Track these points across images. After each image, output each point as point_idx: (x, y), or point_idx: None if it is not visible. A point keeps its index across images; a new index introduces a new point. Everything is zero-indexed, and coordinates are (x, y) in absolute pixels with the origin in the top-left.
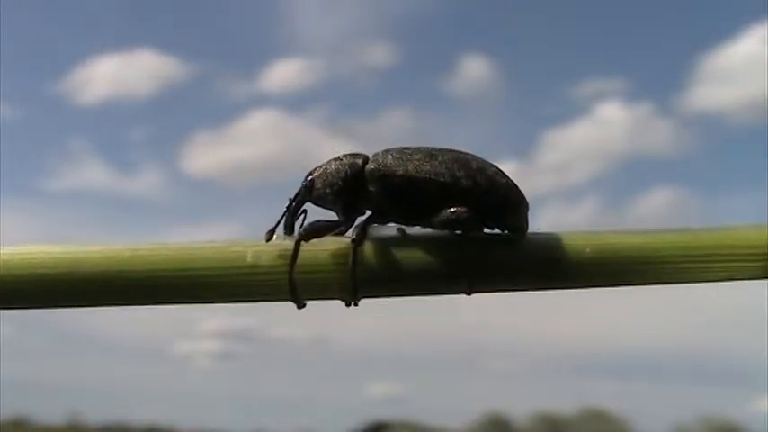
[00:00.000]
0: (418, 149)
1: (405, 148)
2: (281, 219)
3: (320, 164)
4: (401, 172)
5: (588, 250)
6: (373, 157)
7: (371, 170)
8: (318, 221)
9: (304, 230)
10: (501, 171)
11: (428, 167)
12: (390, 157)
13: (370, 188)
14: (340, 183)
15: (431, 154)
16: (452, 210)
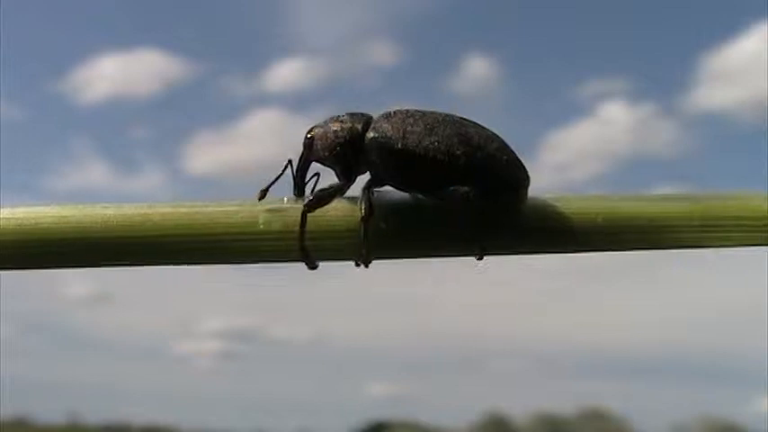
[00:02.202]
0: (421, 118)
1: (407, 116)
2: (276, 179)
3: (321, 122)
4: (399, 145)
5: (600, 219)
6: (374, 123)
7: (370, 139)
8: (323, 189)
9: (308, 201)
10: (503, 146)
11: (427, 143)
12: (391, 127)
13: (367, 151)
14: (339, 146)
15: (432, 127)
16: (451, 187)
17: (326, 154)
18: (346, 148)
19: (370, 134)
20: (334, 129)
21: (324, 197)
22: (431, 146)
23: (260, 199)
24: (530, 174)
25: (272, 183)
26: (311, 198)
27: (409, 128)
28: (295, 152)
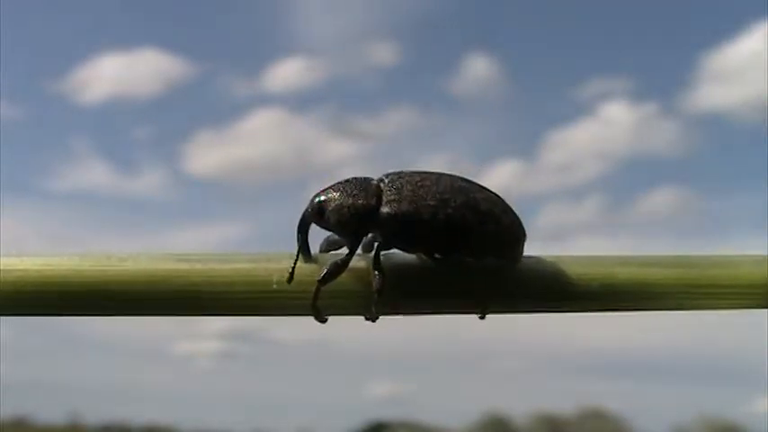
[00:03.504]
0: (431, 187)
1: (418, 187)
2: (297, 258)
3: (328, 189)
4: (413, 220)
5: (597, 284)
6: (386, 197)
7: (385, 215)
8: (335, 262)
9: (323, 276)
10: (506, 208)
11: (441, 216)
12: (405, 203)
13: (381, 224)
14: (352, 222)
15: (443, 199)
16: (456, 252)
17: (338, 228)
18: (359, 223)
19: (385, 209)
20: (346, 201)
21: (336, 270)
22: (443, 218)
23: (288, 282)
24: (526, 231)
25: (295, 263)
26: (325, 272)
27: (422, 202)
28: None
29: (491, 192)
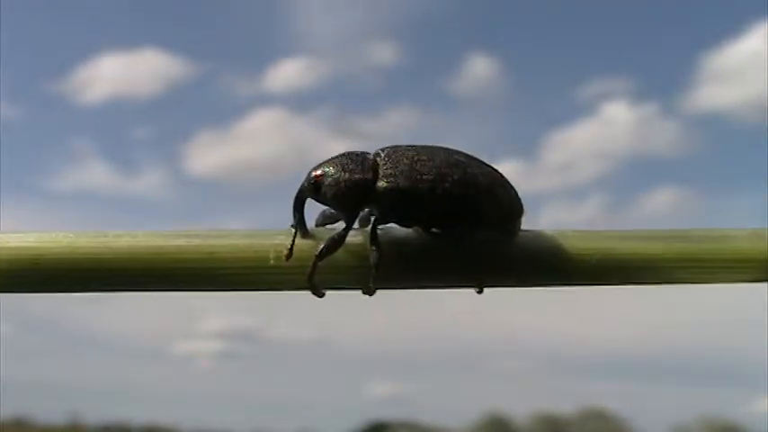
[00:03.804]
0: (428, 162)
1: (415, 161)
2: (294, 234)
3: (325, 163)
4: (411, 195)
5: (595, 260)
6: (383, 172)
7: (382, 189)
8: (332, 236)
9: (320, 251)
10: (505, 182)
11: (439, 191)
12: (402, 177)
13: (378, 199)
14: (349, 197)
15: (441, 174)
16: (455, 227)
17: (334, 202)
18: (356, 198)
19: (382, 183)
20: (344, 179)
21: (333, 245)
22: (440, 193)
23: (287, 259)
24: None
25: (294, 240)
26: (322, 247)
27: (420, 177)
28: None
29: (489, 166)
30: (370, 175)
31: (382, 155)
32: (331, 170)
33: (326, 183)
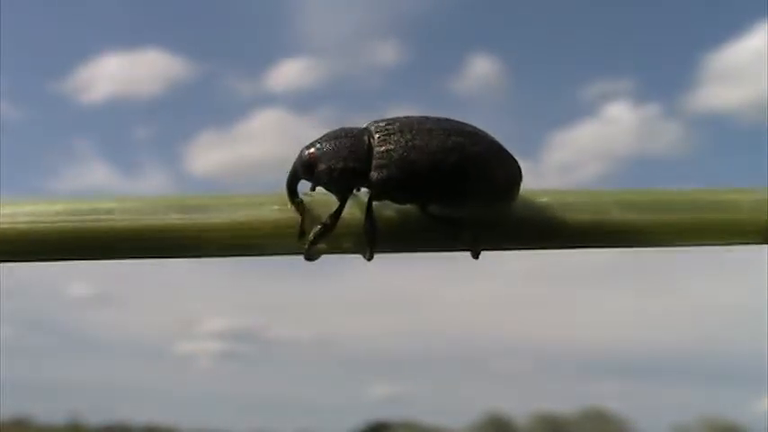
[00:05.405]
0: (421, 139)
1: (408, 151)
2: (302, 222)
3: (317, 143)
4: (407, 183)
5: (591, 221)
6: (376, 162)
7: (376, 178)
8: (324, 223)
9: (318, 231)
10: (501, 149)
11: (435, 179)
12: (395, 167)
13: (372, 184)
14: (343, 177)
15: (436, 161)
16: (449, 210)
17: (328, 185)
18: (350, 178)
19: (375, 174)
20: (337, 167)
21: (330, 225)
22: (437, 180)
23: (299, 239)
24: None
25: (303, 221)
26: (320, 227)
27: (414, 166)
28: (298, 152)
29: (486, 140)
30: (363, 164)
31: (376, 137)
32: (324, 155)
33: (319, 169)
